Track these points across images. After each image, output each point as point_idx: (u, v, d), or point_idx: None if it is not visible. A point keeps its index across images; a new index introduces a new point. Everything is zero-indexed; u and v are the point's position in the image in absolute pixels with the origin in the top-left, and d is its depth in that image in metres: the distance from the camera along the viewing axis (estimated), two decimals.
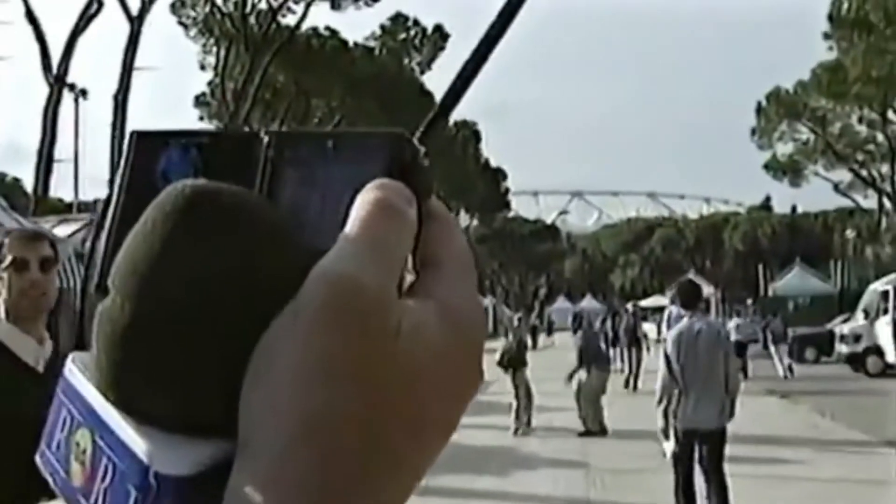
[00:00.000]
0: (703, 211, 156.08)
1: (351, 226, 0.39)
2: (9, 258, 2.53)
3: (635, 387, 21.26)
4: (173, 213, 0.38)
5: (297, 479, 0.37)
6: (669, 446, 7.47)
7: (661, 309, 31.46)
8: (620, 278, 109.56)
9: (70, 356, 0.42)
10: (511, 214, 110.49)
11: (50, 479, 0.38)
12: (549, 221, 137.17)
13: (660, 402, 7.45)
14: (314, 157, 0.40)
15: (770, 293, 48.90)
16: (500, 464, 11.30)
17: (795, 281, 49.36)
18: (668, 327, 10.15)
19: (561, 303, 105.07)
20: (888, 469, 10.32)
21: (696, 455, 7.39)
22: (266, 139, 0.41)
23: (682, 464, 7.48)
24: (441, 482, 10.10)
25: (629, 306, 35.95)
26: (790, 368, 24.31)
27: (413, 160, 0.40)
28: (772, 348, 26.66)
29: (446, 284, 0.42)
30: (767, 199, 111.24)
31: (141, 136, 0.43)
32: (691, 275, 66.02)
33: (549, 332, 55.09)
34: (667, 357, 7.29)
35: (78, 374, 0.40)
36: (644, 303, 58.55)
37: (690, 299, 7.78)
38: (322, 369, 0.37)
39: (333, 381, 0.38)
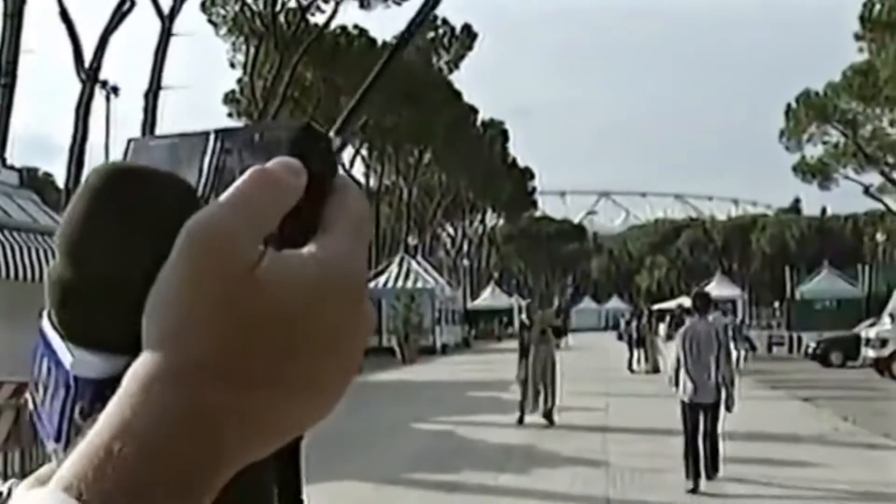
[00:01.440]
0: (731, 213, 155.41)
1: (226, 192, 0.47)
2: None
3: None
4: (96, 187, 0.48)
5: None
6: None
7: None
8: (647, 279, 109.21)
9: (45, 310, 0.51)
10: (538, 214, 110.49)
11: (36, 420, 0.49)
12: (576, 221, 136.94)
13: (671, 378, 10.14)
14: (245, 148, 0.49)
15: (797, 296, 48.62)
16: (521, 461, 11.45)
17: (823, 284, 48.93)
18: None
19: (586, 303, 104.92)
20: None
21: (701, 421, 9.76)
22: (213, 135, 0.50)
23: (687, 428, 9.81)
24: (464, 478, 10.29)
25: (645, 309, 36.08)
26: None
27: (312, 145, 0.48)
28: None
29: (328, 242, 0.47)
30: (796, 201, 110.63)
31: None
32: (718, 277, 66.16)
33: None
34: (677, 351, 9.97)
35: (45, 320, 0.49)
36: (668, 304, 58.58)
37: (702, 305, 10.23)
38: (185, 282, 0.44)
39: (195, 292, 0.44)
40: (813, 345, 29.37)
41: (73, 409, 0.45)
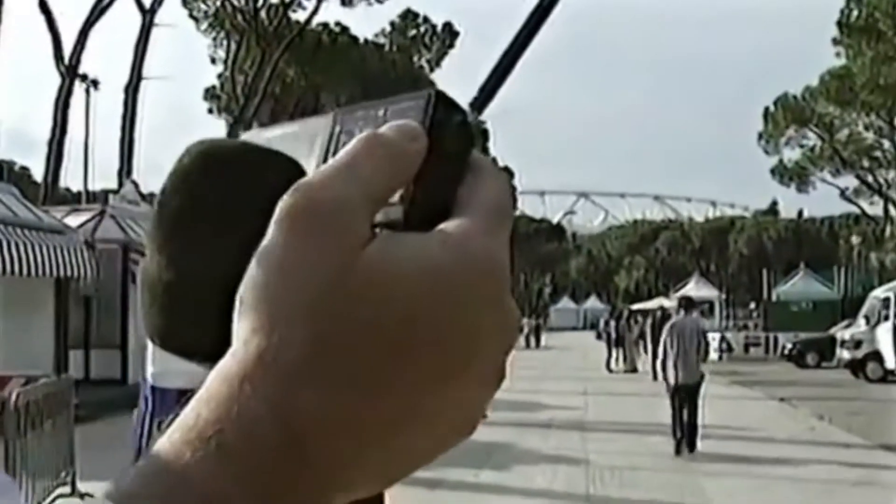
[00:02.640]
0: (710, 214, 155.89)
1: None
2: None
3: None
4: (189, 172, 0.43)
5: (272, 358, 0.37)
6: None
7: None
8: (626, 280, 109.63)
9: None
10: (517, 213, 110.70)
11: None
12: (555, 221, 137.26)
13: (662, 364, 12.36)
14: (369, 126, 0.42)
15: (774, 297, 49.00)
16: (501, 458, 11.50)
17: (799, 286, 49.36)
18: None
19: (565, 303, 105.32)
20: (884, 473, 10.52)
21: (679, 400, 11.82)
22: (333, 113, 0.45)
23: (674, 406, 11.95)
24: (445, 474, 10.33)
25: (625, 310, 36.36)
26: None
27: (445, 116, 0.41)
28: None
29: (462, 224, 0.40)
30: (774, 203, 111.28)
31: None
32: (696, 278, 66.51)
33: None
34: (663, 342, 12.16)
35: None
36: (646, 305, 58.92)
37: (687, 305, 13.01)
38: (278, 266, 0.37)
39: (289, 278, 0.37)
40: (789, 346, 29.63)
41: (151, 423, 0.37)
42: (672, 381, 11.82)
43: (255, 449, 0.36)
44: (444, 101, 0.42)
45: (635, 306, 52.24)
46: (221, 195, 0.41)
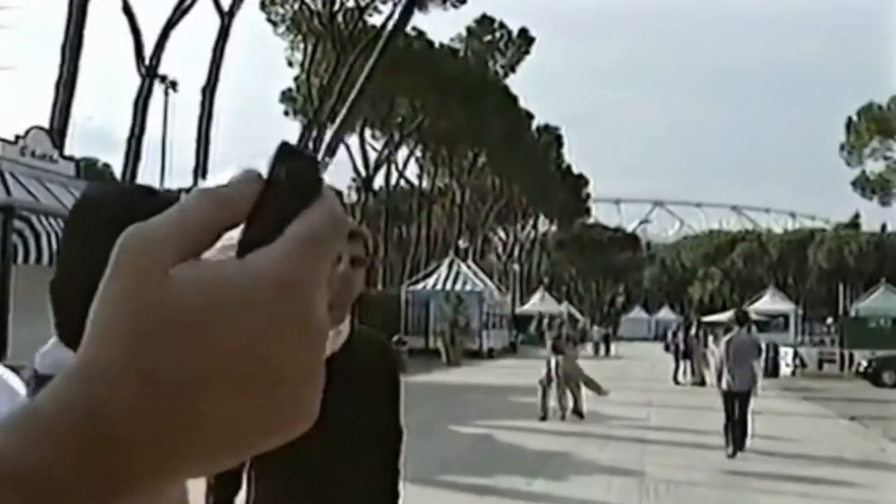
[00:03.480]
0: (789, 226, 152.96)
1: None
2: None
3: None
4: (76, 203, 0.53)
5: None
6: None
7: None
8: (699, 291, 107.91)
9: None
10: (591, 221, 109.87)
11: None
12: (629, 230, 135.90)
13: (717, 373, 13.41)
14: None
15: (852, 313, 47.77)
16: (556, 467, 11.44)
17: (879, 301, 47.99)
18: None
19: (636, 313, 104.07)
20: None
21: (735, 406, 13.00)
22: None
23: (727, 411, 13.09)
24: (497, 482, 10.32)
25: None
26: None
27: (286, 160, 0.47)
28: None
29: (264, 251, 0.45)
30: (856, 216, 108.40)
31: None
32: (771, 290, 65.16)
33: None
34: (720, 353, 13.38)
35: None
36: (718, 317, 57.90)
37: (741, 320, 13.95)
38: (102, 291, 0.45)
39: (106, 303, 0.44)
40: (864, 363, 28.84)
41: None
42: (725, 387, 13.09)
43: (67, 428, 0.43)
44: (287, 150, 0.47)
45: (707, 318, 51.49)
46: (85, 217, 0.50)
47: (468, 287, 44.02)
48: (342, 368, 2.66)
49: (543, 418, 16.79)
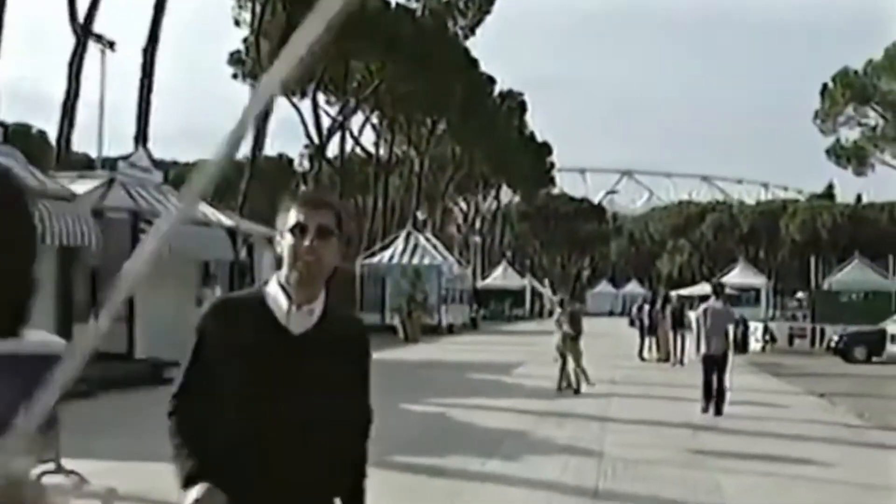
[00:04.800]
0: (761, 197, 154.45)
1: None
2: (291, 222, 2.63)
3: (682, 361, 25.57)
4: None
5: None
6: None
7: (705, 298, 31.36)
8: (668, 264, 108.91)
9: None
10: (556, 192, 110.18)
11: None
12: (595, 201, 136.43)
13: (696, 340, 15.74)
14: None
15: (825, 287, 48.46)
16: (512, 447, 11.49)
17: (853, 275, 48.73)
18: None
19: (603, 287, 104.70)
20: None
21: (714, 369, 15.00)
22: None
23: (706, 370, 15.05)
24: (449, 462, 10.34)
25: (673, 294, 36.07)
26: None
27: None
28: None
29: None
30: (830, 186, 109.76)
31: None
32: (741, 264, 65.68)
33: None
34: (698, 320, 15.69)
35: None
36: (689, 291, 58.42)
37: (718, 290, 16.21)
38: None
39: None
40: (836, 338, 29.29)
41: None
42: (704, 351, 15.07)
43: None
44: None
45: (676, 292, 51.86)
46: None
47: (427, 260, 44.06)
48: (317, 347, 2.62)
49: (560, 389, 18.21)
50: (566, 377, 18.41)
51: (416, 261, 43.53)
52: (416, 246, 45.40)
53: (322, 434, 2.57)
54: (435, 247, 47.18)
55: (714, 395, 14.97)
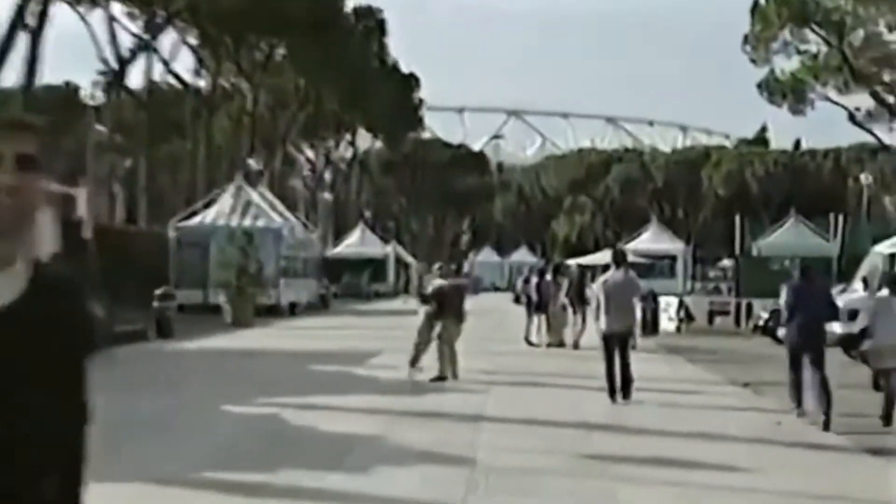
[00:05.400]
0: (678, 143, 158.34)
1: None
2: None
3: (577, 345, 26.39)
4: None
5: None
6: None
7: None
8: (566, 226, 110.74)
9: None
10: (426, 136, 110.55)
11: None
12: (476, 147, 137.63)
13: (596, 317, 16.66)
14: None
15: (754, 252, 50.00)
16: (360, 457, 11.41)
17: (787, 237, 50.48)
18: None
19: (486, 255, 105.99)
20: (868, 483, 10.70)
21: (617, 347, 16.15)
22: None
23: (608, 352, 16.14)
24: (279, 477, 10.19)
25: (571, 263, 36.59)
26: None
27: None
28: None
29: None
30: (763, 130, 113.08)
31: None
32: (655, 225, 67.28)
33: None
34: (598, 293, 16.64)
35: None
36: (589, 259, 59.47)
37: (618, 259, 17.45)
38: None
39: None
40: (765, 315, 30.17)
41: None
42: (606, 329, 16.13)
43: None
44: None
45: (574, 260, 52.82)
46: None
47: (261, 222, 43.70)
48: (11, 330, 2.41)
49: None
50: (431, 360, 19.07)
51: (247, 222, 43.01)
52: (248, 204, 44.86)
53: (9, 443, 2.38)
54: (273, 205, 46.76)
55: (620, 378, 16.04)
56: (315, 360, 22.90)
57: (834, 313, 15.44)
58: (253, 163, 59.48)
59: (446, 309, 19.25)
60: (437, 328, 19.18)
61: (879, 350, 14.54)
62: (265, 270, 40.53)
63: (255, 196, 46.25)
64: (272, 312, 40.09)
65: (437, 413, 14.98)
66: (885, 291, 15.45)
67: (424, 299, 19.76)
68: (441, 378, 18.59)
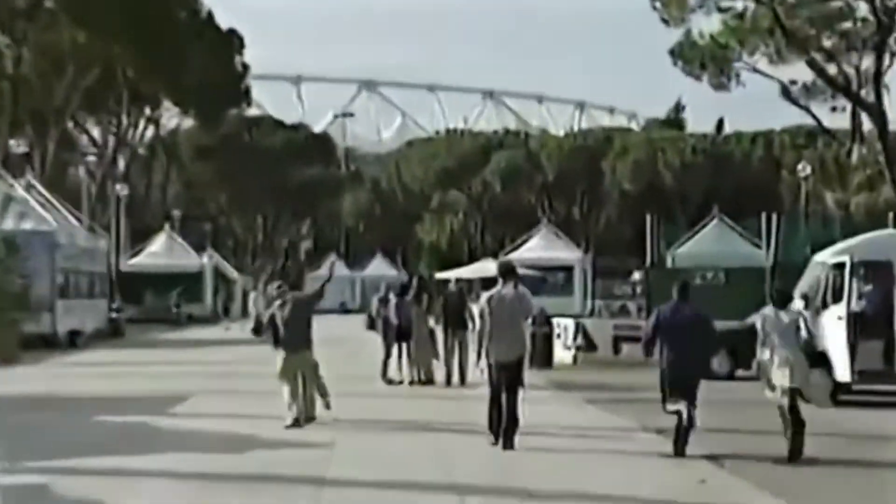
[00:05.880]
0: (574, 124, 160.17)
1: None
2: None
3: (463, 380, 27.07)
4: None
5: None
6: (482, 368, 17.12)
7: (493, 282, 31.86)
8: (433, 231, 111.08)
9: None
10: (254, 113, 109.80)
11: None
12: (318, 128, 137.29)
13: (478, 339, 17.22)
14: None
15: (669, 262, 50.64)
16: None
17: (709, 243, 51.30)
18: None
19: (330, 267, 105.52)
20: None
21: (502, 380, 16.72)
22: None
23: (492, 390, 16.85)
24: None
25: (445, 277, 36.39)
26: None
27: None
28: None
29: None
30: (677, 108, 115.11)
31: None
32: (546, 229, 67.71)
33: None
34: (481, 314, 16.99)
35: None
36: (466, 271, 59.63)
37: (505, 272, 17.54)
38: None
39: None
40: None
41: None
42: (492, 358, 16.72)
43: None
44: None
45: (447, 274, 52.87)
46: None
47: (28, 224, 43.02)
48: None
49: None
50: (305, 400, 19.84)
51: (8, 225, 42.18)
52: (8, 199, 44.00)
53: None
54: (45, 202, 45.95)
55: (504, 420, 16.57)
56: (102, 408, 22.53)
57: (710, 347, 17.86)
58: (16, 145, 58.30)
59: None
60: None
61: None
62: (35, 289, 39.94)
63: (19, 189, 45.37)
64: (46, 344, 39.75)
65: (264, 476, 14.79)
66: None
67: (258, 329, 20.28)
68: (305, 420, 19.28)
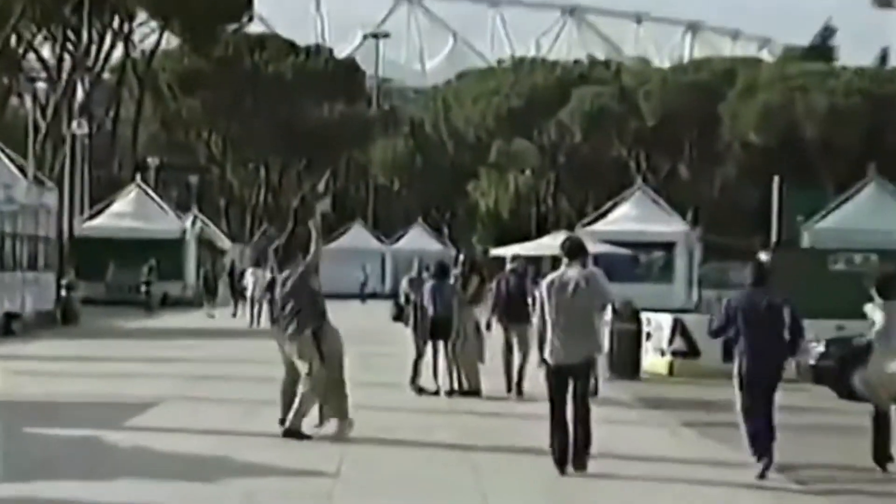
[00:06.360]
0: (684, 52, 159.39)
1: None
2: None
3: (520, 390, 27.70)
4: None
5: None
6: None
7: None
8: (491, 191, 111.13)
9: None
10: (257, 30, 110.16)
11: None
12: (343, 53, 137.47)
13: (539, 338, 17.27)
14: None
15: (804, 241, 50.48)
16: None
17: (860, 216, 51.03)
18: None
19: (355, 236, 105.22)
20: None
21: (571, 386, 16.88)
22: None
23: (553, 397, 16.90)
24: None
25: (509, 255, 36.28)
26: None
27: None
28: None
29: None
30: (825, 33, 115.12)
31: None
32: (639, 192, 67.51)
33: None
34: (540, 304, 17.29)
35: None
36: (531, 248, 59.55)
37: (573, 251, 17.64)
38: None
39: None
40: (818, 349, 30.20)
41: None
42: (550, 360, 16.95)
43: None
44: None
45: (500, 250, 52.80)
46: None
47: None
48: None
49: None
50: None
51: None
52: None
53: None
54: None
55: (573, 443, 16.72)
56: (39, 417, 22.70)
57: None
58: None
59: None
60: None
61: None
62: None
63: None
64: None
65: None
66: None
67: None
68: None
